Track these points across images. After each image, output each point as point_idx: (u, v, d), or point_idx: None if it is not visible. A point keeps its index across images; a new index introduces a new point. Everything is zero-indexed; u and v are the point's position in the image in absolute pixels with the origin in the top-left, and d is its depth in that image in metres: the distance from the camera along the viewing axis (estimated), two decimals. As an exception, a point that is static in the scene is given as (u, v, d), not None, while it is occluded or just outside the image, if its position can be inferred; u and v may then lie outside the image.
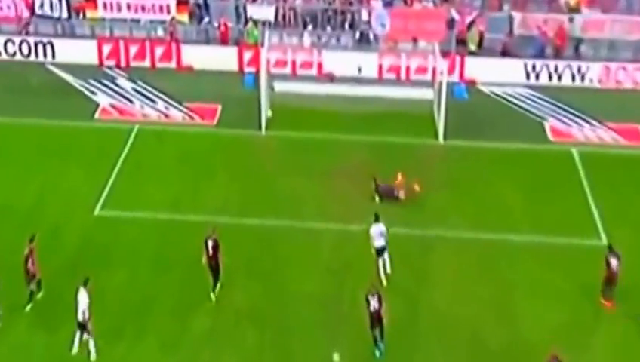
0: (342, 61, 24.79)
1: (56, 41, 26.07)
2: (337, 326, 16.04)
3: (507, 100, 24.38)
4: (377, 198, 19.17)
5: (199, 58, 25.49)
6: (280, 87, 23.91)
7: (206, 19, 26.63)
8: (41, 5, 26.46)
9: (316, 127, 22.43)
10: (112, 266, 17.48)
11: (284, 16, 26.02)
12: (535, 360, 14.97)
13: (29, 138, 22.01)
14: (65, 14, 26.52)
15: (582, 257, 17.70)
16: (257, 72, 23.59)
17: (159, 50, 25.72)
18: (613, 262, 16.41)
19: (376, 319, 15.34)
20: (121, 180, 20.34)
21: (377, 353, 15.44)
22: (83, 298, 15.17)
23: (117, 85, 24.96)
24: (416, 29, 24.35)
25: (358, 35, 25.84)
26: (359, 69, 24.67)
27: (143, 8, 26.09)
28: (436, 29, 24.12)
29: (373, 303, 15.29)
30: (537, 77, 24.99)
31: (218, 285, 16.69)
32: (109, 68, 25.75)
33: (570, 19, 25.35)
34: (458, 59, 24.94)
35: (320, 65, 24.99)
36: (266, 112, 22.56)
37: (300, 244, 18.21)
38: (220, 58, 25.38)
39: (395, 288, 16.61)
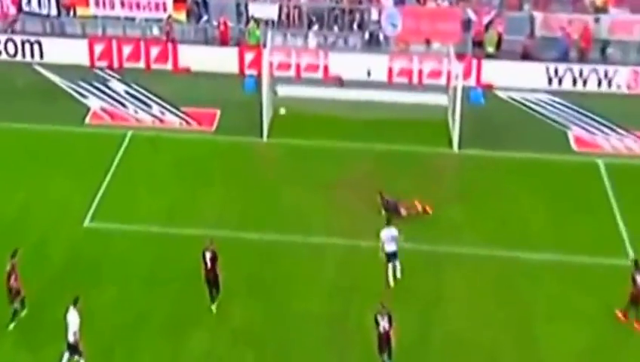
0: (350, 64, 24.88)
1: (44, 40, 26.25)
2: (343, 349, 16.04)
3: (527, 107, 24.42)
4: (384, 213, 19.20)
5: (197, 59, 25.62)
6: (283, 91, 24.01)
7: (205, 18, 26.80)
8: (29, 2, 26.68)
9: (321, 134, 22.50)
10: (102, 282, 17.53)
11: (288, 15, 26.17)
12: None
13: (14, 144, 22.11)
14: (54, 11, 26.74)
15: (607, 277, 17.67)
16: (259, 75, 23.73)
17: (155, 51, 25.86)
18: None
19: (385, 341, 15.35)
20: (112, 190, 20.44)
21: (386, 378, 15.46)
22: (73, 318, 15.23)
23: (109, 88, 25.11)
24: (429, 30, 24.46)
25: (367, 35, 25.96)
26: (368, 73, 24.77)
27: (138, 6, 26.27)
28: (451, 29, 24.23)
29: (383, 324, 15.30)
30: (560, 82, 25.04)
31: (219, 297, 16.75)
32: (101, 69, 25.90)
33: (597, 20, 25.41)
34: (474, 62, 25.02)
35: (326, 68, 25.09)
36: (267, 115, 22.62)
37: (304, 260, 18.24)
38: (220, 59, 25.50)
39: (405, 309, 16.60)
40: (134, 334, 16.43)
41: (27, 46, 26.22)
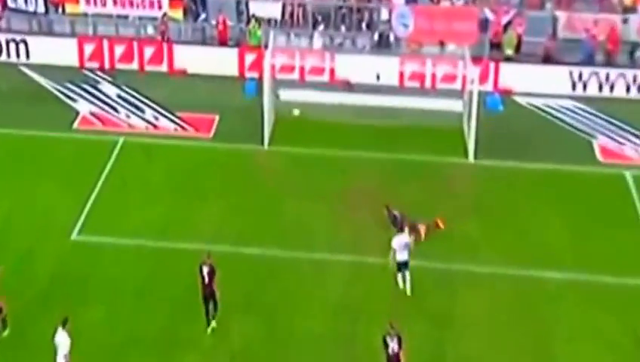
0: (357, 66, 25.01)
1: (30, 39, 26.44)
2: (349, 374, 16.12)
3: (549, 114, 24.48)
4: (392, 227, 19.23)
5: (194, 61, 25.78)
6: (286, 95, 24.15)
7: (202, 16, 26.98)
8: (15, -3, 26.93)
9: (326, 142, 22.59)
10: (90, 300, 17.58)
11: (291, 14, 26.33)
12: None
13: (-2, 150, 22.33)
14: (41, 8, 26.92)
15: (633, 298, 17.69)
16: (260, 78, 23.87)
17: (149, 51, 26.03)
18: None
19: (394, 365, 15.41)
20: (102, 200, 20.53)
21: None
22: (64, 340, 15.25)
23: (100, 91, 25.27)
24: (443, 30, 24.57)
25: (376, 36, 26.08)
26: (377, 76, 24.88)
27: (131, 3, 26.47)
28: (467, 30, 24.34)
29: (392, 345, 15.35)
30: (585, 87, 25.11)
31: (216, 316, 16.80)
32: (91, 71, 26.08)
33: (625, 21, 25.49)
34: (492, 65, 25.12)
35: (332, 71, 25.23)
36: (269, 119, 22.73)
37: (307, 277, 18.30)
38: (218, 61, 25.65)
39: (416, 330, 16.64)
40: (124, 357, 16.44)
41: (12, 45, 26.40)
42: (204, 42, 26.74)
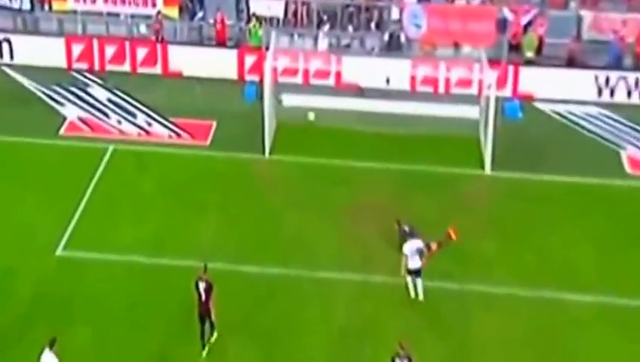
0: (366, 70, 25.11)
1: (14, 38, 26.60)
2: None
3: (572, 122, 24.53)
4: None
5: (190, 62, 25.92)
6: (289, 100, 24.25)
7: (199, 15, 27.14)
8: (-3, -7, 27.13)
9: (332, 150, 22.66)
10: (76, 321, 17.61)
11: (295, 13, 26.47)
12: None
13: (-21, 158, 22.46)
14: (27, 5, 27.11)
15: (663, 323, 17.74)
16: (261, 82, 23.95)
17: (142, 52, 26.17)
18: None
19: (405, 390, 15.46)
20: (90, 213, 20.61)
21: None
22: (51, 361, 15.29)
23: (89, 94, 25.41)
24: (458, 31, 24.72)
25: (386, 37, 26.19)
26: (387, 80, 24.98)
27: (123, 0, 26.66)
28: (484, 31, 24.48)
29: (403, 368, 15.41)
30: (612, 93, 25.16)
31: (213, 336, 16.83)
32: (80, 72, 26.25)
33: (655, 21, 25.61)
34: (511, 69, 25.19)
35: (338, 75, 25.34)
36: (270, 125, 22.79)
37: (310, 298, 18.32)
38: (216, 63, 25.78)
39: (428, 355, 16.65)
40: (112, 382, 16.57)
41: (-5, 45, 26.65)
42: (201, 42, 26.90)
